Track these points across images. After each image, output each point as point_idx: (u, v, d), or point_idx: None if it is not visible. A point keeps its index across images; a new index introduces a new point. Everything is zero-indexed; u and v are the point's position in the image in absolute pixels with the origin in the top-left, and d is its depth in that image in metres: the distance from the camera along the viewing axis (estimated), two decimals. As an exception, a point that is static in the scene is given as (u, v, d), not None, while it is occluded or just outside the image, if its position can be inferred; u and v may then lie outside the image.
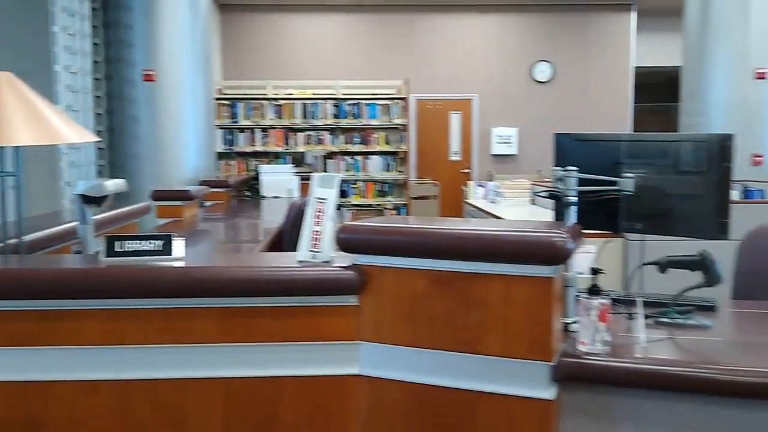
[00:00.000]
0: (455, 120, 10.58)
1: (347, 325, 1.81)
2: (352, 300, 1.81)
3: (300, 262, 1.87)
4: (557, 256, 1.66)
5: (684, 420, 1.69)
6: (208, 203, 5.39)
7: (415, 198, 9.25)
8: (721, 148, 1.97)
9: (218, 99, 8.92)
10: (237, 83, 9.34)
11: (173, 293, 1.81)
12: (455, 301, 1.73)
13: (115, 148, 6.26)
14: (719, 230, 2.02)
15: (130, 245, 1.92)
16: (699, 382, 1.67)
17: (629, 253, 3.74)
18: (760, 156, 6.18)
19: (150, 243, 1.93)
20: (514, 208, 5.21)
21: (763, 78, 6.11)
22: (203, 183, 5.48)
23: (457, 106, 10.55)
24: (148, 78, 6.10)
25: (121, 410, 1.81)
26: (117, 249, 1.91)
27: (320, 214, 1.86)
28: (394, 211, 9.20)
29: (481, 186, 6.47)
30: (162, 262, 1.90)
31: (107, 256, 1.89)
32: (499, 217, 4.72)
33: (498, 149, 10.48)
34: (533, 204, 5.54)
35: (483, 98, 10.44)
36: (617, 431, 1.74)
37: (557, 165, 2.13)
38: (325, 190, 1.87)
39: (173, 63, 6.19)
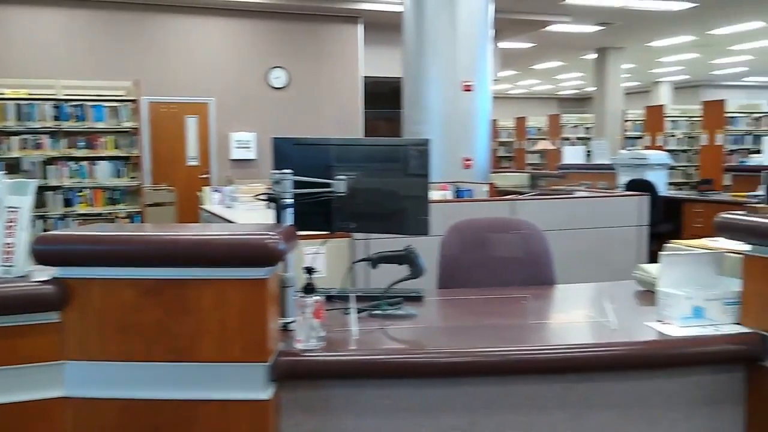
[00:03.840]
0: (192, 124, 10.31)
1: (48, 345, 1.66)
2: (53, 317, 1.67)
3: (-11, 278, 1.68)
4: (269, 257, 1.69)
5: (393, 403, 1.82)
6: None
7: (149, 205, 8.82)
8: (419, 152, 2.16)
9: None
10: (-67, 79, 8.12)
11: None
12: (167, 309, 1.67)
13: None
14: (421, 227, 2.21)
15: None
16: (405, 366, 1.81)
17: (356, 252, 3.95)
18: (469, 160, 6.91)
19: None
20: (249, 212, 5.20)
21: (469, 90, 6.84)
22: None
23: (193, 109, 10.29)
24: None
25: None
26: None
27: (12, 224, 1.69)
28: (126, 220, 8.67)
29: (217, 191, 6.38)
30: None
31: None
32: (232, 222, 4.69)
33: (237, 154, 10.43)
34: (269, 208, 5.58)
35: (220, 102, 10.31)
36: (335, 422, 1.82)
37: (277, 168, 2.17)
38: (17, 198, 1.69)
39: None
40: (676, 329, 1.92)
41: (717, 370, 1.90)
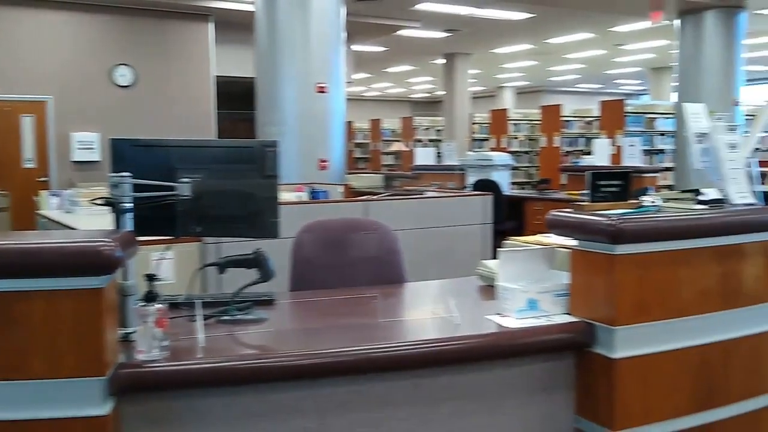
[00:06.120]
0: (27, 124, 9.60)
1: None
2: None
3: None
4: (104, 265, 1.60)
5: (243, 410, 1.79)
6: None
7: (-21, 212, 8.12)
8: (266, 154, 2.14)
9: None
10: None
11: None
12: (-10, 325, 1.54)
13: None
14: (271, 230, 2.19)
15: None
16: (252, 372, 1.78)
17: (207, 257, 3.84)
18: (325, 161, 6.93)
19: None
20: (91, 217, 4.88)
21: (323, 92, 6.86)
22: None
23: (29, 108, 9.57)
24: None
25: None
26: None
27: None
28: (-49, 228, 7.91)
29: (55, 195, 5.96)
30: None
31: None
32: (71, 228, 4.40)
33: (80, 156, 9.81)
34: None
35: (59, 101, 9.65)
36: (182, 433, 1.76)
37: (115, 171, 2.06)
38: None
39: None
40: (513, 321, 2.03)
41: (550, 358, 2.04)
